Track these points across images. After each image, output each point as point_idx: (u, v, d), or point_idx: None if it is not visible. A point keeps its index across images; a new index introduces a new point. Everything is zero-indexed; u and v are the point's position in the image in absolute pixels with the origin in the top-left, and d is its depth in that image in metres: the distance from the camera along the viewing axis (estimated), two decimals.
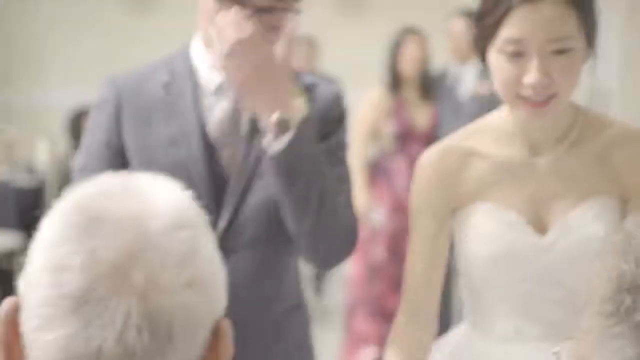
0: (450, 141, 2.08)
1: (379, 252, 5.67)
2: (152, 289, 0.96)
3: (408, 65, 5.77)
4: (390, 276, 5.65)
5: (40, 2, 8.82)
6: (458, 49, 5.85)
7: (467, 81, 5.81)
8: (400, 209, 5.65)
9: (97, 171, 1.90)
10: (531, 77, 1.89)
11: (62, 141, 6.68)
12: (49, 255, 0.97)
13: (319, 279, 7.55)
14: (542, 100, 1.90)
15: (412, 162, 5.97)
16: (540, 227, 1.99)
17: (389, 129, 5.73)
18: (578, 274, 1.93)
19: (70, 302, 0.95)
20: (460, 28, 5.83)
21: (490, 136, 2.04)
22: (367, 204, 5.67)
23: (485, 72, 6.30)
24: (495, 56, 1.93)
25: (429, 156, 2.07)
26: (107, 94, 2.08)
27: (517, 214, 1.99)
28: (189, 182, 1.92)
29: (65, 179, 5.54)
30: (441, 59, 6.09)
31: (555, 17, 1.88)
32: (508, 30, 1.90)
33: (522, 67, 1.90)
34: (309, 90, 2.06)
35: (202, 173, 2.03)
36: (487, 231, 1.99)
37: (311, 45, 7.52)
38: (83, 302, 0.95)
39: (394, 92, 5.76)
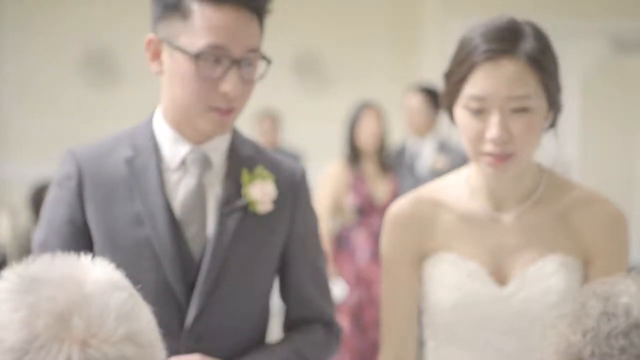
0: (420, 192, 2.13)
1: (343, 321, 5.70)
2: (92, 338, 0.99)
3: (365, 139, 5.83)
4: (353, 348, 5.68)
5: (3, 74, 8.83)
6: (414, 123, 5.89)
7: (424, 155, 5.87)
8: (361, 281, 5.71)
9: (58, 247, 1.93)
10: (492, 132, 1.94)
11: (24, 215, 6.65)
12: None
13: None
14: (501, 156, 1.95)
15: (372, 235, 6.07)
16: (501, 279, 2.04)
17: (349, 202, 5.79)
18: (535, 326, 1.97)
19: (11, 356, 0.97)
20: (416, 102, 5.89)
21: (458, 190, 2.10)
22: (330, 278, 5.69)
23: (442, 147, 6.38)
24: (460, 112, 1.99)
25: (400, 205, 2.12)
26: (69, 169, 2.02)
27: (479, 265, 2.04)
28: (155, 260, 1.97)
29: (26, 253, 5.49)
30: (403, 133, 6.15)
31: (515, 76, 1.93)
32: (471, 88, 1.95)
33: (485, 123, 1.95)
34: (274, 167, 2.06)
35: (169, 251, 1.97)
36: (450, 280, 2.05)
37: (275, 119, 7.60)
38: (24, 354, 0.97)
39: (353, 165, 5.82)
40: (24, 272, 1.04)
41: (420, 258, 2.10)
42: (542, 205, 2.06)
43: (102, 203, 2.00)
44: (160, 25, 1.96)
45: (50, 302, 0.99)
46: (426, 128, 5.89)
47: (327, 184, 5.89)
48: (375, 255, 5.72)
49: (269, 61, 1.98)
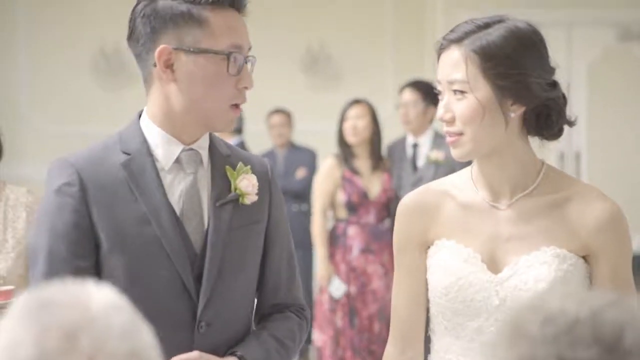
0: (431, 184, 2.27)
1: (339, 318, 5.81)
2: (99, 354, 1.09)
3: (352, 134, 5.85)
4: (350, 341, 5.77)
5: (18, 77, 8.90)
6: (407, 119, 5.90)
7: (423, 147, 5.90)
8: (354, 275, 5.79)
9: (65, 253, 2.04)
10: (438, 112, 2.13)
11: None
12: (5, 337, 1.11)
13: None
14: (450, 135, 2.12)
15: (364, 230, 6.12)
16: (495, 266, 2.14)
17: (341, 198, 5.86)
18: None
19: None
20: (409, 99, 5.90)
21: (461, 182, 2.22)
22: (328, 276, 5.81)
23: (438, 139, 6.45)
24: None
25: (410, 196, 2.25)
26: (68, 176, 2.08)
27: (474, 252, 2.14)
28: (165, 257, 2.10)
29: None
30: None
31: (455, 61, 2.09)
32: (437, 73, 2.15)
33: None
34: (248, 162, 2.21)
35: (176, 248, 2.09)
36: (447, 265, 2.15)
37: (287, 116, 7.65)
38: None
39: (345, 161, 5.87)
40: (37, 295, 1.15)
41: (426, 246, 2.21)
42: (538, 197, 2.15)
43: (106, 206, 2.08)
44: (171, 36, 2.07)
45: (60, 322, 1.10)
46: (421, 122, 5.89)
47: (319, 181, 5.98)
48: (366, 250, 5.81)
49: (254, 59, 2.14)
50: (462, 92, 2.09)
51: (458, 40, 2.10)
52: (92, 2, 8.77)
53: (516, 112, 2.11)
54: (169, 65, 2.08)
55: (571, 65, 8.22)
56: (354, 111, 5.90)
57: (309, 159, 7.40)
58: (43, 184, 2.14)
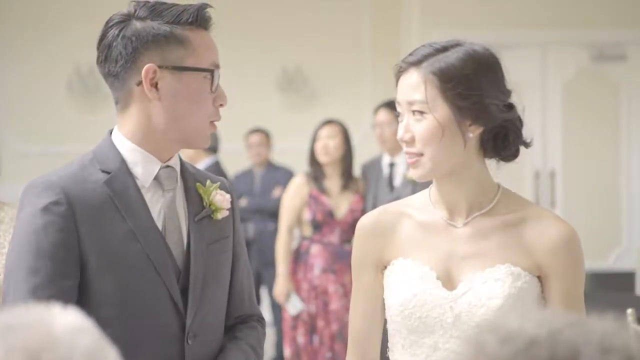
0: (389, 205, 2.32)
1: (300, 335, 5.86)
2: None
3: (324, 154, 5.90)
4: (308, 359, 5.82)
5: None
6: (383, 139, 5.93)
7: (399, 167, 5.92)
8: (315, 293, 5.84)
9: (50, 271, 2.05)
10: (398, 133, 2.18)
11: None
12: None
13: None
14: (410, 156, 2.17)
15: (326, 250, 6.21)
16: (450, 283, 2.18)
17: (307, 216, 5.91)
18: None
19: None
20: (385, 118, 5.93)
21: (419, 202, 2.27)
22: (286, 292, 5.86)
23: None
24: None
25: (367, 217, 2.30)
26: (55, 195, 2.08)
27: (430, 269, 2.18)
28: (153, 272, 2.15)
29: None
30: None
31: (414, 82, 2.14)
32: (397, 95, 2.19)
33: None
34: (213, 180, 2.28)
35: (162, 263, 2.14)
36: (402, 283, 2.18)
37: (265, 135, 7.70)
38: None
39: (314, 180, 5.91)
40: (3, 318, 1.15)
41: (383, 265, 2.25)
42: (495, 216, 2.20)
43: (93, 225, 2.10)
44: (154, 55, 2.12)
45: (23, 344, 1.11)
46: (397, 141, 5.91)
47: (287, 197, 6.03)
48: (328, 270, 5.85)
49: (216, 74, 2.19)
50: (421, 112, 2.13)
51: (417, 63, 2.14)
52: (68, 24, 8.78)
53: (474, 133, 2.15)
54: (153, 84, 2.12)
55: (546, 85, 8.28)
56: (325, 131, 5.96)
57: (286, 178, 7.43)
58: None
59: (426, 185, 2.28)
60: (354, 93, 8.93)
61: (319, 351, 5.82)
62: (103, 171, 2.15)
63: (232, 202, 2.29)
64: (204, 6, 2.16)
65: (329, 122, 6.06)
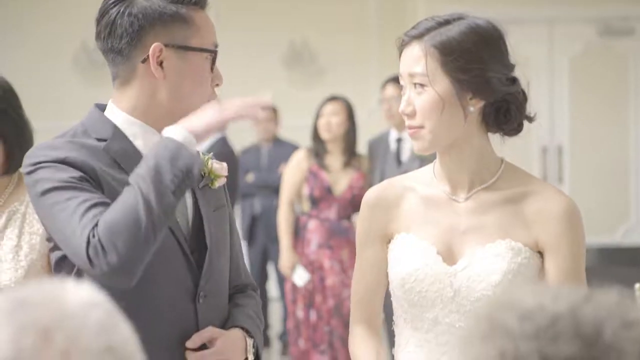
0: (394, 178, 2.33)
1: (300, 309, 5.92)
2: (73, 350, 1.10)
3: (326, 130, 5.91)
4: (308, 335, 5.87)
5: None
6: (390, 114, 5.93)
7: (407, 142, 5.92)
8: (311, 269, 5.89)
9: (88, 190, 2.00)
10: (400, 106, 2.18)
11: None
12: None
13: None
14: (411, 128, 2.17)
15: (322, 225, 6.23)
16: (451, 258, 2.19)
17: (305, 191, 5.93)
18: (478, 305, 2.12)
19: None
20: (392, 94, 5.92)
21: (424, 177, 2.28)
22: (292, 265, 5.90)
23: None
24: None
25: (372, 191, 2.31)
26: (69, 151, 2.09)
27: (431, 244, 2.19)
28: (169, 231, 2.10)
29: None
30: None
31: (415, 55, 2.15)
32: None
33: None
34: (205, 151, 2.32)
35: (174, 222, 2.15)
36: (404, 257, 2.20)
37: (273, 111, 7.70)
38: None
39: (315, 156, 5.93)
40: (14, 295, 1.15)
41: (387, 239, 2.27)
42: (496, 191, 2.20)
43: (107, 184, 2.09)
44: (160, 34, 2.14)
45: (35, 320, 1.11)
46: (401, 118, 5.91)
47: (288, 172, 6.08)
48: (324, 245, 5.88)
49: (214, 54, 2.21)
50: (422, 85, 2.14)
51: (419, 36, 2.16)
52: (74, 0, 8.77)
53: (475, 106, 2.16)
54: (159, 62, 2.14)
55: (553, 61, 8.26)
56: (329, 108, 5.97)
57: (293, 154, 7.43)
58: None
59: (433, 160, 2.28)
60: (361, 69, 8.92)
61: (317, 325, 5.85)
62: (99, 139, 2.16)
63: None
64: None
65: (332, 98, 6.07)
